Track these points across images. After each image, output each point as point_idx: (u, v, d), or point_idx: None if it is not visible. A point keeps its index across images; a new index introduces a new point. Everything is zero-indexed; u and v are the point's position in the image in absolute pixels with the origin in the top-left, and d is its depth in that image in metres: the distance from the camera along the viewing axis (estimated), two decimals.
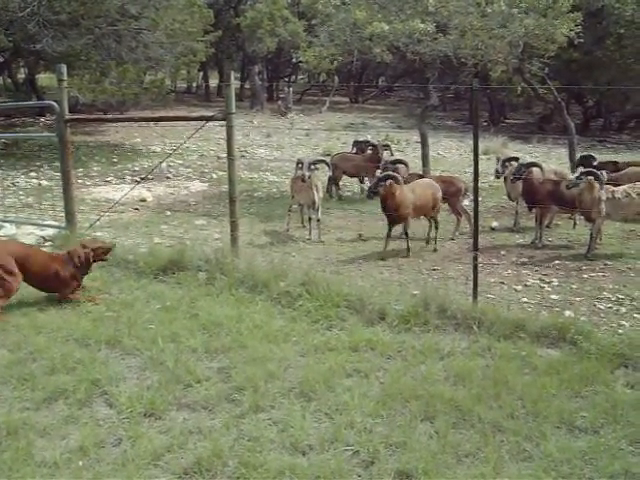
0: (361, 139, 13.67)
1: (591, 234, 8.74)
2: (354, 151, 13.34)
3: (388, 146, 13.41)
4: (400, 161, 10.40)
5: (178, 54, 20.23)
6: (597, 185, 8.65)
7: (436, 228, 9.33)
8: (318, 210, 9.66)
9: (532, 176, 9.37)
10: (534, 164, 9.68)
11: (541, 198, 9.31)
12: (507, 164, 10.07)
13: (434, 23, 11.90)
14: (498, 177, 10.42)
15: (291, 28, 28.84)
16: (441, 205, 9.48)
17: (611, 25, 21.15)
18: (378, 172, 9.67)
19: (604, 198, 8.64)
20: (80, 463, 3.75)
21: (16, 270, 6.00)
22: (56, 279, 6.23)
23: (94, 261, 6.51)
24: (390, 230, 8.84)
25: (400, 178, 8.88)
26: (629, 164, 11.61)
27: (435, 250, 9.09)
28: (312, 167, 9.51)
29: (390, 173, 8.87)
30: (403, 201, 8.68)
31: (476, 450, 3.86)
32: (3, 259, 5.97)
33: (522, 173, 9.34)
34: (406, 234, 8.86)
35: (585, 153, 10.78)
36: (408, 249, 8.81)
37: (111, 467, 3.71)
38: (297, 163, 9.91)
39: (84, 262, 6.36)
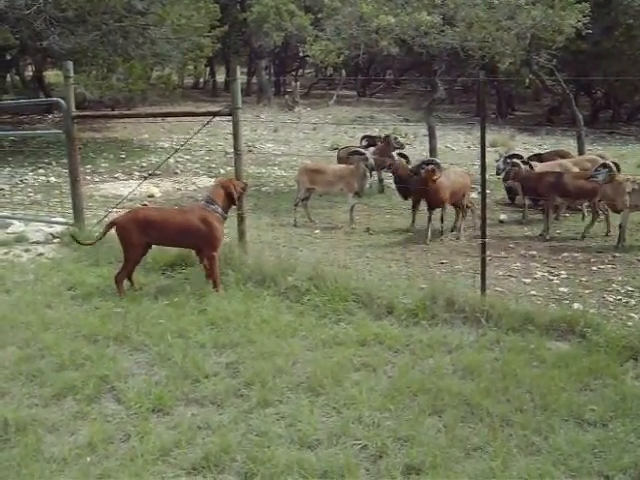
0: (374, 134, 13.75)
1: (620, 225, 8.73)
2: (363, 145, 13.33)
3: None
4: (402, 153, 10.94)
5: (185, 50, 20.16)
6: (620, 177, 8.74)
7: (463, 216, 9.68)
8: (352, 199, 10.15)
9: (519, 170, 9.78)
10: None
11: (543, 191, 9.38)
12: (508, 161, 10.09)
13: (441, 15, 11.86)
14: (499, 174, 10.42)
15: (298, 22, 28.68)
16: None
17: (620, 15, 20.92)
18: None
19: (629, 189, 8.62)
20: (88, 459, 3.77)
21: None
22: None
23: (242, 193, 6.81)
24: (431, 215, 9.18)
25: (441, 165, 9.41)
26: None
27: (458, 238, 9.34)
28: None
29: (433, 159, 9.55)
30: (441, 186, 9.08)
31: (484, 444, 3.85)
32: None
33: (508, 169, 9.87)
34: (441, 219, 9.26)
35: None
36: (442, 232, 9.27)
37: (119, 463, 3.72)
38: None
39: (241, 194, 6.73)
